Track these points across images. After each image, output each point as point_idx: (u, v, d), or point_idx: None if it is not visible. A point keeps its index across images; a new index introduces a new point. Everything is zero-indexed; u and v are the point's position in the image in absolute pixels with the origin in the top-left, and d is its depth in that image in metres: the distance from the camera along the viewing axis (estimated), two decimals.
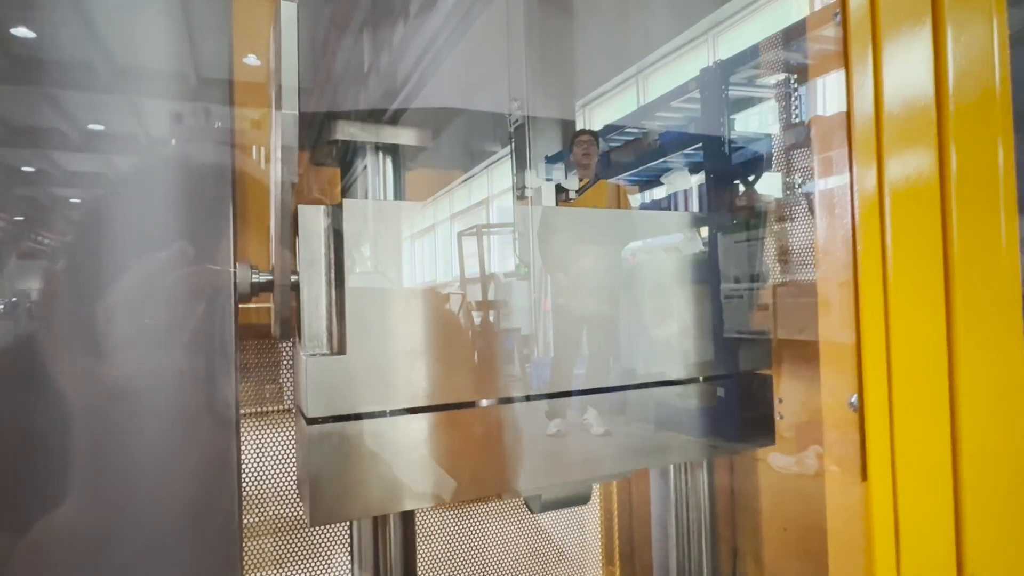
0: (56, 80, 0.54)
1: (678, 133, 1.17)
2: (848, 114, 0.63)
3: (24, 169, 0.54)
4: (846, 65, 0.63)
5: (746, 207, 1.14)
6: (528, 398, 0.85)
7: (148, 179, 0.61)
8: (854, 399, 0.64)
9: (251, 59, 0.75)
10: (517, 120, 1.04)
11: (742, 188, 1.18)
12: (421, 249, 0.80)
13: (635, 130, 1.21)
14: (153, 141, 0.59)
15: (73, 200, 0.57)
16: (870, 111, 0.62)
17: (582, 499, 1.01)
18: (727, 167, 1.14)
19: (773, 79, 1.14)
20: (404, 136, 0.81)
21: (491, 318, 0.86)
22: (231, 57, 0.61)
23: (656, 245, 1.03)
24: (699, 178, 1.13)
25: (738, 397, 0.98)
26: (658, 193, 1.19)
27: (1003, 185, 0.66)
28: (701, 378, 0.96)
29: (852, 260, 0.63)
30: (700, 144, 1.13)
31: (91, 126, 0.63)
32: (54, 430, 0.53)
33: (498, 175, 0.93)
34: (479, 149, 1.06)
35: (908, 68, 0.63)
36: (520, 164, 0.90)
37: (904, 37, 0.62)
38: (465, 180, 0.85)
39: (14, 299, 0.53)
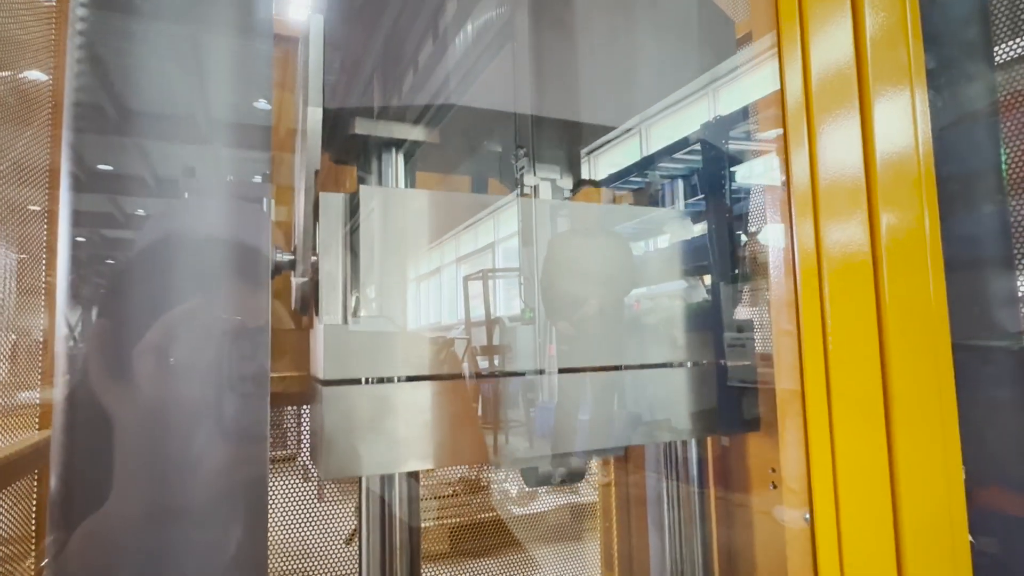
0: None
1: (680, 182, 1.22)
2: (787, 184, 0.70)
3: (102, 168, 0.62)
4: (785, 144, 0.70)
5: (743, 258, 1.19)
6: (523, 374, 0.93)
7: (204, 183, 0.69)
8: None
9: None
10: (523, 167, 1.12)
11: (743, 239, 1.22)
12: (427, 291, 0.88)
13: (638, 179, 1.27)
14: (206, 148, 0.67)
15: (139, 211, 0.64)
16: (807, 183, 0.69)
17: (577, 475, 1.08)
18: (725, 219, 1.18)
19: (748, 145, 1.19)
20: (415, 132, 0.91)
21: (496, 360, 0.93)
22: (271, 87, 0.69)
23: (660, 292, 1.09)
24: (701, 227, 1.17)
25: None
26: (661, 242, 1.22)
27: (929, 247, 0.72)
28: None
29: (795, 319, 0.69)
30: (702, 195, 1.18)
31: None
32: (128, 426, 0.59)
33: (504, 219, 1.01)
34: (487, 149, 1.14)
35: (840, 146, 0.70)
36: (526, 209, 0.98)
37: (835, 119, 0.70)
38: (470, 225, 0.93)
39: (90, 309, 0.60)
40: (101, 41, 0.55)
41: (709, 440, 1.26)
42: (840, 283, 0.68)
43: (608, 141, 1.22)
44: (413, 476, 0.93)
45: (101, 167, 0.56)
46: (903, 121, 0.71)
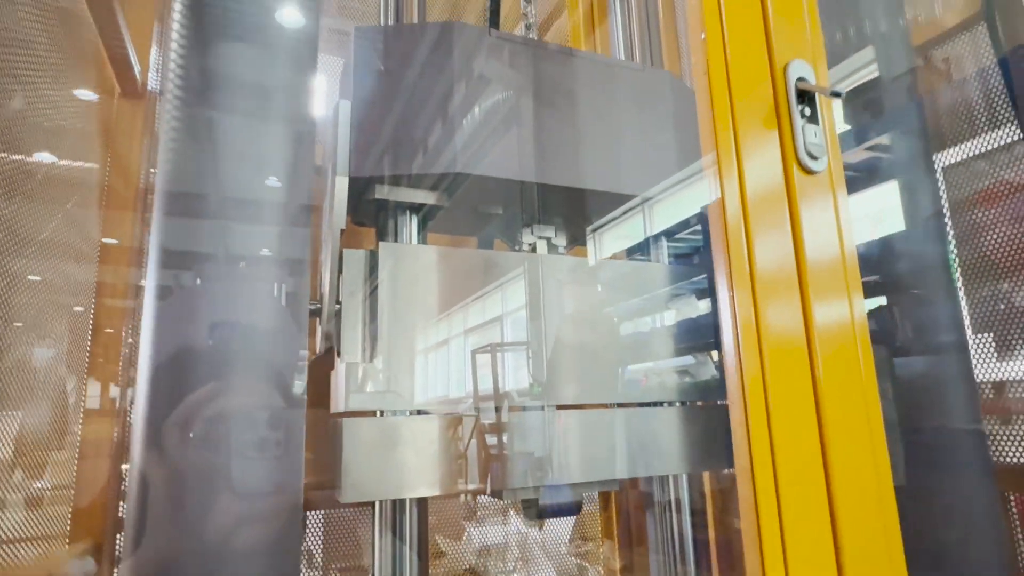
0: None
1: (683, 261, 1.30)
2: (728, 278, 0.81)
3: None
4: (726, 247, 0.81)
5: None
6: (523, 408, 1.02)
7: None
8: None
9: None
10: (532, 244, 1.22)
11: None
12: (435, 362, 0.98)
13: (642, 259, 1.37)
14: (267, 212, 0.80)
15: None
16: (747, 275, 0.80)
17: (575, 508, 1.15)
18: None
19: None
20: (427, 197, 1.04)
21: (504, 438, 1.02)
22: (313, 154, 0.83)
23: (667, 366, 1.18)
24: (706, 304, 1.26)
25: None
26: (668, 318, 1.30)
27: (856, 330, 0.83)
28: None
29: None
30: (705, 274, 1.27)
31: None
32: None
33: (512, 292, 1.13)
34: (492, 213, 1.27)
35: (774, 252, 0.82)
36: (532, 286, 1.09)
37: (769, 231, 0.82)
38: (479, 297, 1.05)
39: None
40: (184, 138, 0.69)
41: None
42: (778, 363, 0.78)
43: (614, 219, 1.33)
44: (422, 504, 1.01)
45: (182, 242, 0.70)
46: (829, 229, 0.83)
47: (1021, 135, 1.20)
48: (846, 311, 0.82)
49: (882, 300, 1.18)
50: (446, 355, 1.08)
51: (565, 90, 1.17)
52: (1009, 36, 1.25)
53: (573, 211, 1.26)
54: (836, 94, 0.81)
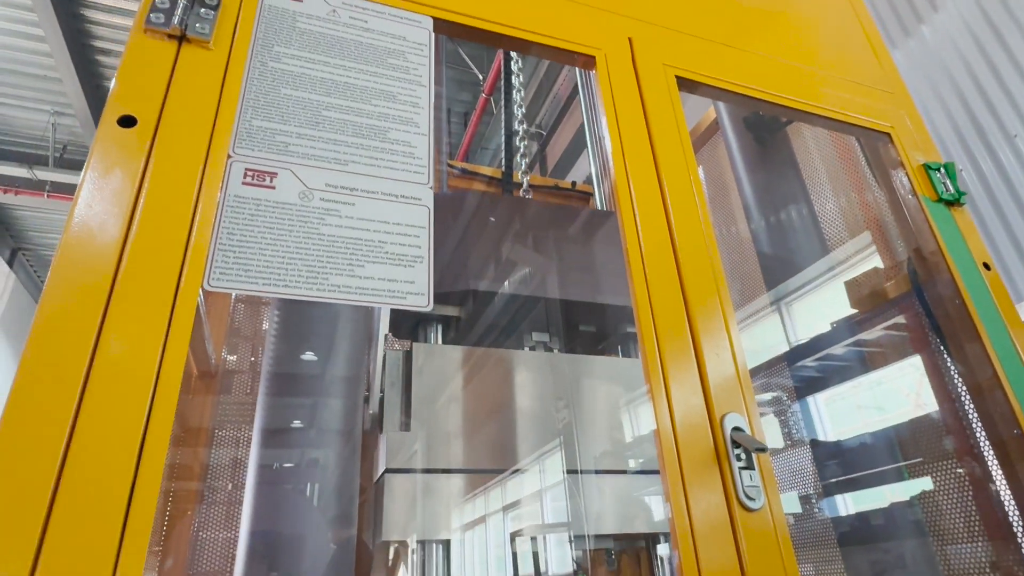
0: None
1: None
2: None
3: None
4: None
5: None
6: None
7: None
8: None
9: None
10: (564, 418, 1.40)
11: None
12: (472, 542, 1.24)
13: None
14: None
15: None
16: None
17: None
18: None
19: None
20: (450, 311, 1.44)
21: None
22: None
23: None
24: None
25: None
26: None
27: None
28: None
29: None
30: None
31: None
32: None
33: (548, 465, 1.23)
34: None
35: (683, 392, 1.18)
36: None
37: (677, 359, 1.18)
38: (515, 471, 1.21)
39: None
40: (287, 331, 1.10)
41: None
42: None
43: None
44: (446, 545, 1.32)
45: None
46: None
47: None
48: None
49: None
50: (467, 430, 1.42)
51: (553, 229, 1.59)
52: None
53: (567, 319, 1.63)
54: (761, 449, 0.91)
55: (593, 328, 1.67)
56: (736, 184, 1.83)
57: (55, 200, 8.82)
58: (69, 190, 8.77)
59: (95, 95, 8.02)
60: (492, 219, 1.54)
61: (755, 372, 2.61)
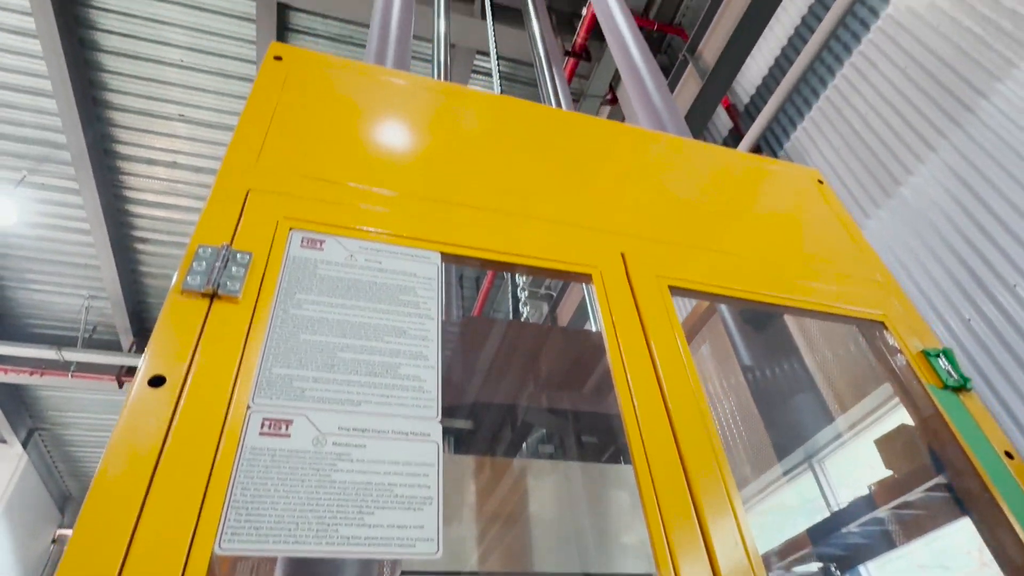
0: None
1: None
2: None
3: None
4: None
5: None
6: None
7: None
8: None
9: None
10: (577, 525, 1.57)
11: None
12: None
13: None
14: None
15: None
16: None
17: None
18: None
19: None
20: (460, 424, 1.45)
21: None
22: None
23: None
24: None
25: None
26: None
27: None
28: None
29: None
30: None
31: None
32: None
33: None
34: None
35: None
36: None
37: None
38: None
39: None
40: None
41: None
42: None
43: None
44: None
45: None
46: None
47: None
48: None
49: None
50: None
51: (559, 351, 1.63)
52: None
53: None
54: None
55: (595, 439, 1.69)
56: (740, 367, 1.86)
57: (79, 379, 9.00)
58: (94, 369, 8.99)
59: (129, 279, 8.54)
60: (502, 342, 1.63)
61: (794, 545, 2.47)
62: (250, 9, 6.77)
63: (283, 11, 6.83)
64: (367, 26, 6.04)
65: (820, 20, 5.30)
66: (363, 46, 7.28)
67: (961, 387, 1.31)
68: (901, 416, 1.72)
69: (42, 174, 7.65)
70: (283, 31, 7.03)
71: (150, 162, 7.80)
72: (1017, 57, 3.81)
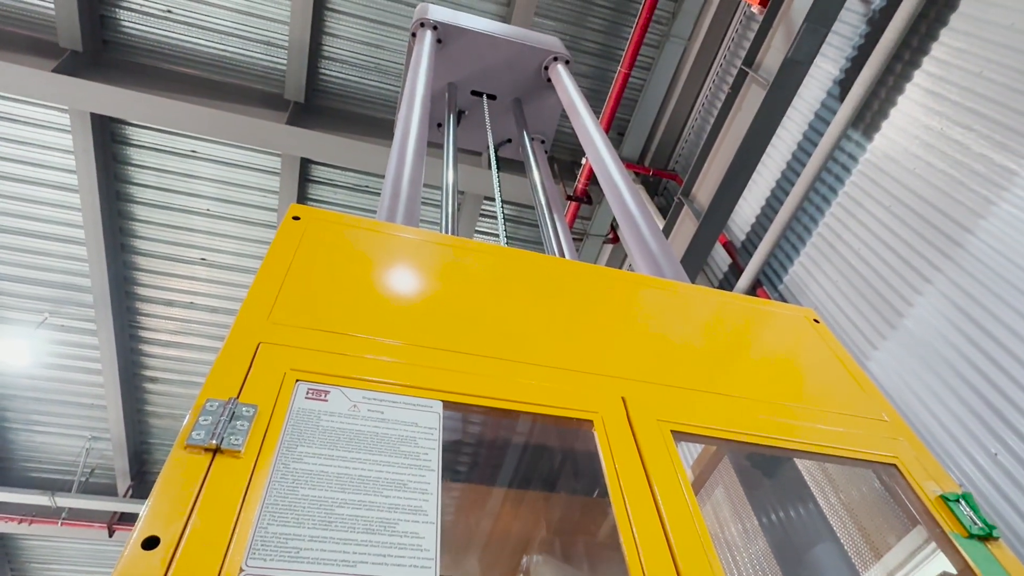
0: None
1: None
2: None
3: None
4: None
5: None
6: None
7: None
8: None
9: None
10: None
11: None
12: None
13: None
14: None
15: None
16: None
17: None
18: None
19: None
20: None
21: None
22: None
23: None
24: None
25: None
26: None
27: None
28: None
29: None
30: None
31: None
32: None
33: None
34: None
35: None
36: None
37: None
38: None
39: None
40: None
41: None
42: None
43: None
44: None
45: None
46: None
47: None
48: None
49: None
50: None
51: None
52: None
53: None
54: None
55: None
56: (754, 516, 1.78)
57: (68, 526, 8.61)
58: (86, 516, 8.64)
59: (134, 418, 8.46)
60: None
61: None
62: (275, 164, 7.37)
63: (305, 165, 7.42)
64: (382, 176, 6.52)
65: (804, 165, 5.68)
66: (379, 193, 7.81)
67: (988, 535, 1.24)
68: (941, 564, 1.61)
69: (62, 316, 7.89)
70: (304, 182, 7.58)
71: (168, 303, 8.07)
72: (995, 196, 4.02)
